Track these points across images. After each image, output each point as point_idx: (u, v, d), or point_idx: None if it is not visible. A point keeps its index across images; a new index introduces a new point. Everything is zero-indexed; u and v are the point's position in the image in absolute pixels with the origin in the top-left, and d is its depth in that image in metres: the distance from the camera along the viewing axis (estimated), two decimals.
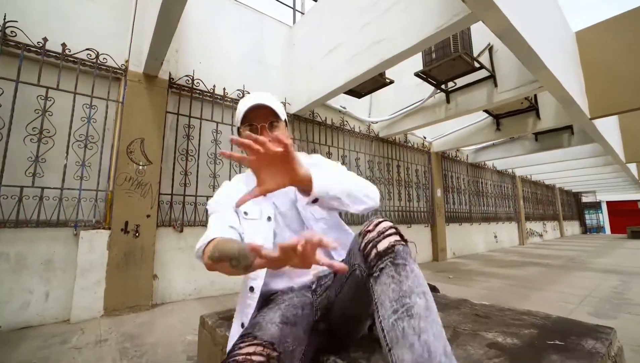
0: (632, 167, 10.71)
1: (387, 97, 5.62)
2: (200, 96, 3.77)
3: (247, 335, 0.83)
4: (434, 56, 4.09)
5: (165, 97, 3.45)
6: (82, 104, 3.03)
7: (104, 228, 2.96)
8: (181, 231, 3.45)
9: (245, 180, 1.19)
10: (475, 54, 4.17)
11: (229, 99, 3.95)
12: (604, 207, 26.41)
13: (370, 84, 4.31)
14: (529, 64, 3.15)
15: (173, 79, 3.58)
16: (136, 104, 3.23)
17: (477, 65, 4.00)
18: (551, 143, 6.96)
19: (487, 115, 5.96)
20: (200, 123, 3.74)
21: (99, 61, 3.14)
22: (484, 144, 8.12)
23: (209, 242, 0.91)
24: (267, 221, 1.06)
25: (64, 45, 2.95)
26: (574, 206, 19.36)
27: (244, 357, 0.73)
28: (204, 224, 3.58)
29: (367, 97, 5.47)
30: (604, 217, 25.50)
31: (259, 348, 0.76)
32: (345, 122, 5.31)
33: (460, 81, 4.56)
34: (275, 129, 1.05)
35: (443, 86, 4.64)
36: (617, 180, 13.67)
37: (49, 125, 2.85)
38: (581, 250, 8.73)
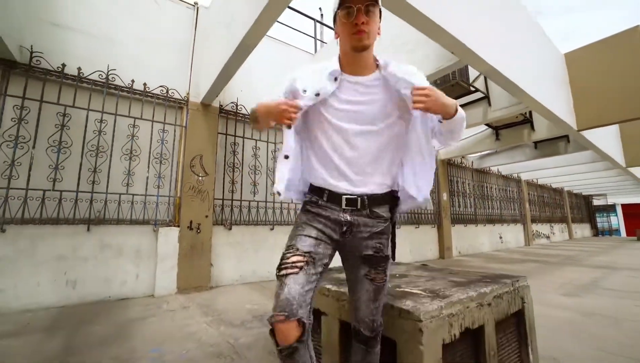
0: (638, 171, 11.16)
1: None
2: (243, 119, 4.61)
3: (291, 247, 1.05)
4: (438, 81, 4.84)
5: (216, 121, 4.31)
6: (157, 129, 3.91)
7: (175, 226, 3.81)
8: (230, 229, 4.28)
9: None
10: (472, 78, 4.90)
11: None
12: (619, 210, 26.37)
13: None
14: (513, 93, 3.87)
15: (222, 106, 4.43)
16: (196, 127, 4.10)
17: (472, 88, 4.72)
18: (549, 150, 7.57)
19: (487, 127, 6.65)
20: (243, 141, 4.58)
21: (168, 95, 4.02)
22: (487, 152, 8.76)
23: None
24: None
25: (145, 85, 3.84)
26: (585, 209, 19.57)
27: (291, 264, 1.00)
28: (247, 223, 4.41)
29: None
30: (619, 220, 25.48)
31: (300, 257, 1.01)
32: None
33: (461, 100, 5.28)
34: (371, 14, 1.02)
35: None
36: (625, 183, 13.99)
37: (136, 146, 3.73)
38: (584, 251, 9.23)
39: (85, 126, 3.41)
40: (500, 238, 9.90)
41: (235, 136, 4.53)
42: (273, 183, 3.69)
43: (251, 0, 2.54)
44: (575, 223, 17.15)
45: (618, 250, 9.35)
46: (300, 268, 0.99)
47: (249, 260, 4.39)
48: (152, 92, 3.90)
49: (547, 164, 9.56)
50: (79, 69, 3.44)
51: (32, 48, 3.20)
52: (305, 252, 1.02)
